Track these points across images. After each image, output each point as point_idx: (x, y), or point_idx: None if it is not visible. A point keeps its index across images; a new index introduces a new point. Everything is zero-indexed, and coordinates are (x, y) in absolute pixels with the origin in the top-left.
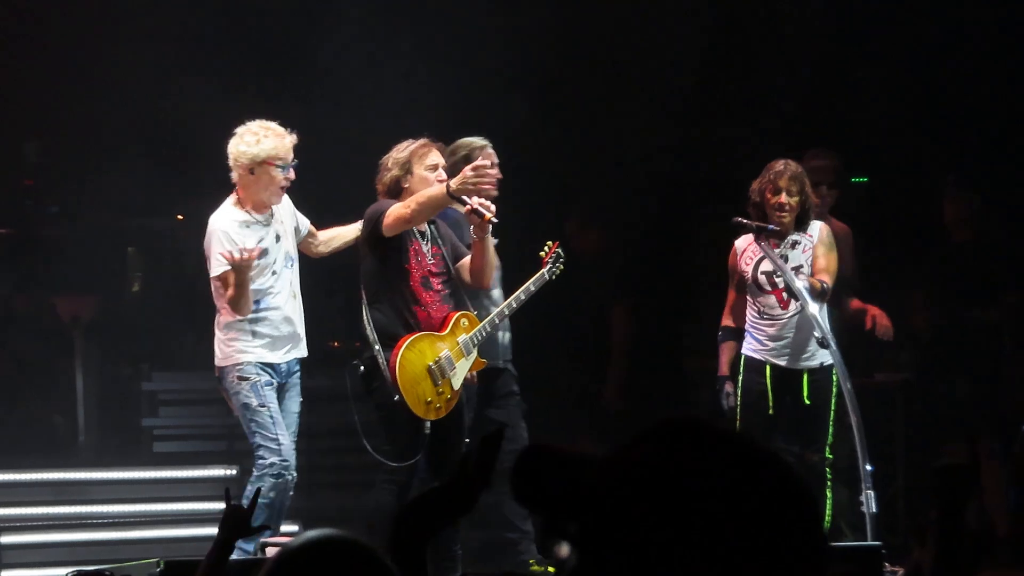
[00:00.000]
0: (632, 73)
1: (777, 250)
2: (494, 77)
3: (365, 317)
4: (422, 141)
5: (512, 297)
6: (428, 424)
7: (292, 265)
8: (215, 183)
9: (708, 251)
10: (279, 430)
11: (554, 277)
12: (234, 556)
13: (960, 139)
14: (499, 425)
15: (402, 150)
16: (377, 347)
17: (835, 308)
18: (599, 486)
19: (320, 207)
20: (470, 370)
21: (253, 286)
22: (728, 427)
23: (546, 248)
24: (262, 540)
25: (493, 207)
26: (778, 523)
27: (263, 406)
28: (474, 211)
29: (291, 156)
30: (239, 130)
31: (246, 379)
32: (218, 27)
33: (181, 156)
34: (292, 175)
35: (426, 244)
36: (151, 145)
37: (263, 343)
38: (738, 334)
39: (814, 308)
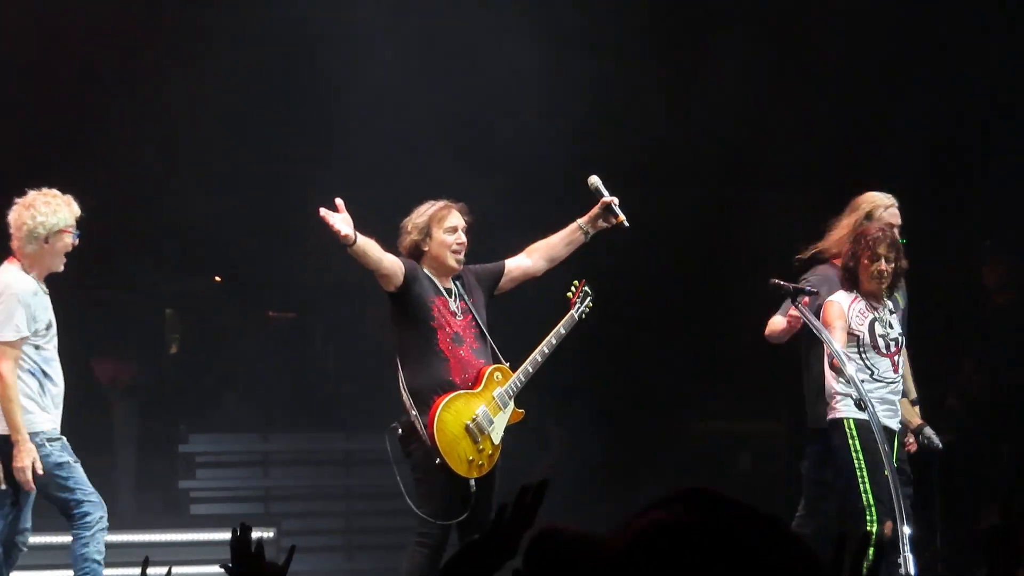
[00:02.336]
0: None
1: (877, 314)
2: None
3: (400, 381)
4: (442, 203)
5: (543, 343)
6: (473, 482)
7: None
8: (250, 241)
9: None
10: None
11: (583, 316)
12: None
13: (997, 202)
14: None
15: (421, 213)
16: (414, 412)
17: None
18: (611, 559)
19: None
20: (509, 421)
21: (45, 354)
22: (736, 495)
23: (573, 288)
24: None
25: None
26: None
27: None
28: (610, 207)
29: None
30: (24, 201)
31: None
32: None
33: (221, 219)
34: (77, 241)
35: (453, 301)
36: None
37: (53, 414)
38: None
39: (851, 368)
